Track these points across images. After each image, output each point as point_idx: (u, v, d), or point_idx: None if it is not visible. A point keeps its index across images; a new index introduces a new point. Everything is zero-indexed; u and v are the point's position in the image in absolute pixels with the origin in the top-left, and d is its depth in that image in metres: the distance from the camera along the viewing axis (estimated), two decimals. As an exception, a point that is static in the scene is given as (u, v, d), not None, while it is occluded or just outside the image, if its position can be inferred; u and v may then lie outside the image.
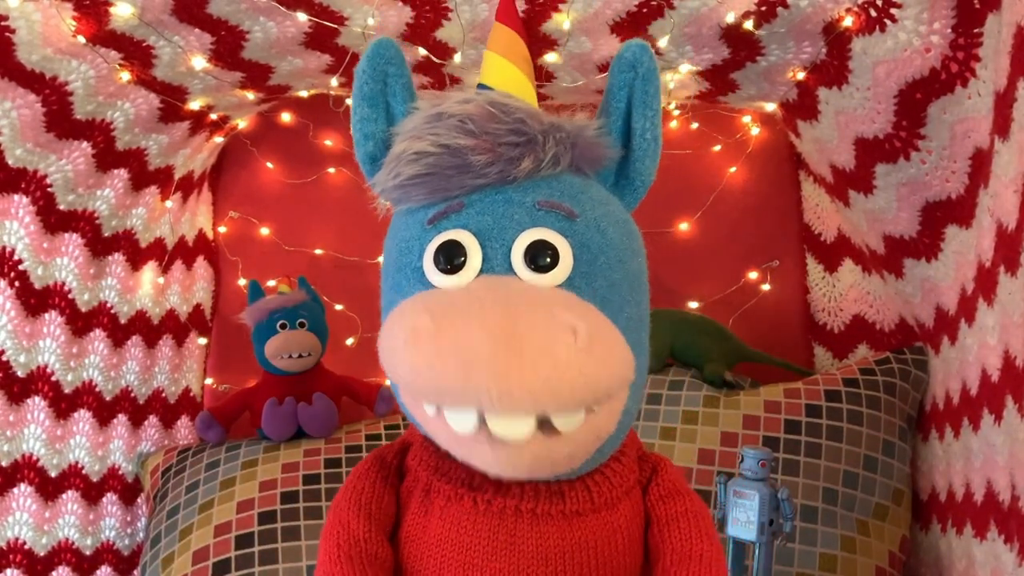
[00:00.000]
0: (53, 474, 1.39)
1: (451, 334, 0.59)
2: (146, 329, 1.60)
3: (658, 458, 0.79)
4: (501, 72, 0.78)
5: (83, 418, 1.46)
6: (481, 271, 0.66)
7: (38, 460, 1.36)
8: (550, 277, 0.65)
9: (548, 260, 0.66)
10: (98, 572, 1.50)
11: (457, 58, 1.35)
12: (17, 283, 1.27)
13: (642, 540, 0.76)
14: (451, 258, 0.66)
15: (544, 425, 0.60)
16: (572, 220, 0.67)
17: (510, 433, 0.60)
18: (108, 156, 1.36)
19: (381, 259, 0.76)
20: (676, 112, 1.65)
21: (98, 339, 1.47)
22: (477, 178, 0.67)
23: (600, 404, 0.63)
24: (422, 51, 1.34)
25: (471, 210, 0.67)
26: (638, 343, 0.69)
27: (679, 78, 1.39)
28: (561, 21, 1.24)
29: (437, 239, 0.67)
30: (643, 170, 0.74)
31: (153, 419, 1.65)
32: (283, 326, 1.57)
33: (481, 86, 0.78)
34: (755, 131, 1.69)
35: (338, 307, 1.76)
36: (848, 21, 1.12)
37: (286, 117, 1.78)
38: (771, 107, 1.50)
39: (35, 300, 1.31)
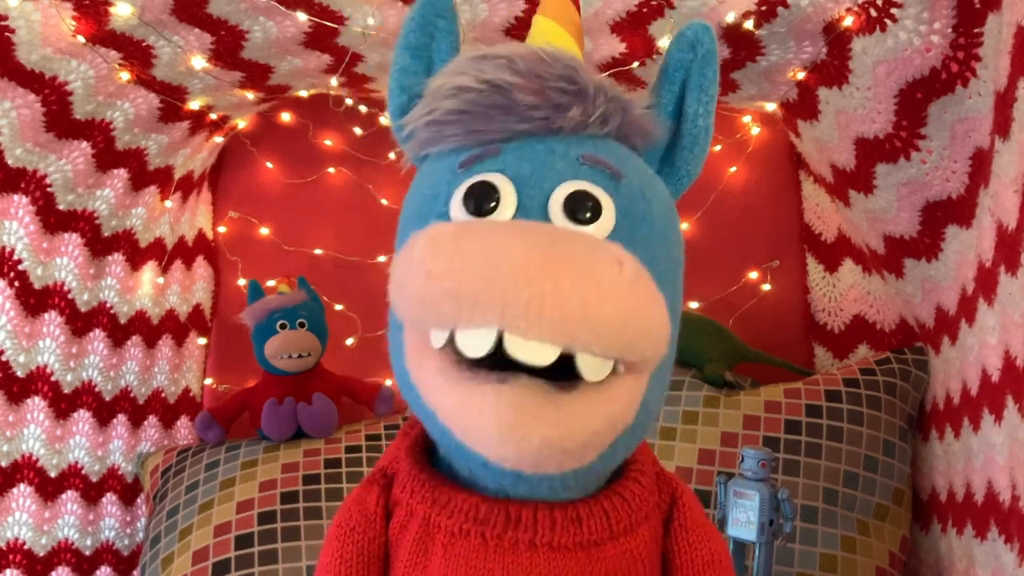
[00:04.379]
0: (53, 474, 1.39)
1: (477, 239, 0.51)
2: (146, 329, 1.60)
3: (678, 483, 0.72)
4: (550, 35, 0.72)
5: (83, 418, 1.46)
6: (515, 217, 0.59)
7: (38, 460, 1.36)
8: (591, 230, 0.59)
9: (589, 214, 0.59)
10: (98, 572, 1.50)
11: (457, 58, 1.35)
12: (17, 283, 1.27)
13: (659, 569, 0.69)
14: (482, 201, 0.59)
15: (563, 367, 0.52)
16: (617, 180, 0.61)
17: (531, 356, 0.51)
18: (108, 156, 1.36)
19: (389, 259, 0.68)
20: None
21: (98, 339, 1.47)
22: (520, 121, 0.61)
23: (632, 358, 0.55)
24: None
25: (508, 156, 0.61)
26: (674, 326, 0.63)
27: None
28: (561, 21, 1.24)
29: (468, 180, 0.61)
30: (691, 159, 0.68)
31: (153, 419, 1.65)
32: (283, 326, 1.57)
33: None
34: (755, 131, 1.69)
35: (338, 307, 1.75)
36: (848, 21, 1.12)
37: (286, 117, 1.78)
38: (771, 107, 1.50)
39: (35, 300, 1.31)
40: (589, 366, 0.53)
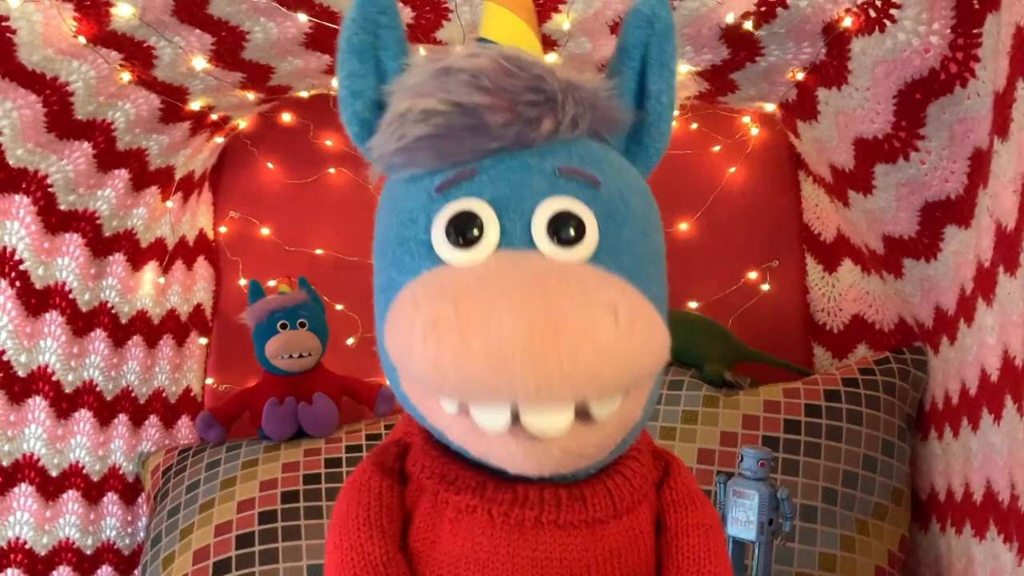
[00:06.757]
0: (54, 474, 1.39)
1: (477, 321, 0.51)
2: (147, 329, 1.60)
3: (671, 456, 0.73)
4: (504, 24, 0.70)
5: (84, 418, 1.46)
6: (499, 245, 0.59)
7: (39, 460, 1.36)
8: (576, 252, 0.59)
9: (573, 233, 0.59)
10: (99, 572, 1.50)
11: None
12: (18, 283, 1.28)
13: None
14: (465, 231, 0.59)
15: (580, 414, 0.55)
16: (596, 188, 0.61)
17: (549, 426, 0.54)
18: (109, 156, 1.37)
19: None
20: (676, 112, 1.65)
21: (99, 339, 1.47)
22: (492, 141, 0.60)
23: (639, 387, 0.58)
24: (422, 51, 1.34)
25: (484, 176, 0.60)
26: (663, 313, 0.64)
27: (679, 78, 1.40)
28: (561, 22, 1.24)
29: (448, 209, 0.60)
30: (657, 135, 0.68)
31: (154, 419, 1.65)
32: (283, 326, 1.57)
33: (482, 40, 0.70)
34: (755, 131, 1.69)
35: (338, 307, 1.76)
36: (848, 21, 1.12)
37: (286, 117, 1.78)
38: (771, 107, 1.50)
39: (36, 300, 1.31)
40: (601, 409, 0.56)
